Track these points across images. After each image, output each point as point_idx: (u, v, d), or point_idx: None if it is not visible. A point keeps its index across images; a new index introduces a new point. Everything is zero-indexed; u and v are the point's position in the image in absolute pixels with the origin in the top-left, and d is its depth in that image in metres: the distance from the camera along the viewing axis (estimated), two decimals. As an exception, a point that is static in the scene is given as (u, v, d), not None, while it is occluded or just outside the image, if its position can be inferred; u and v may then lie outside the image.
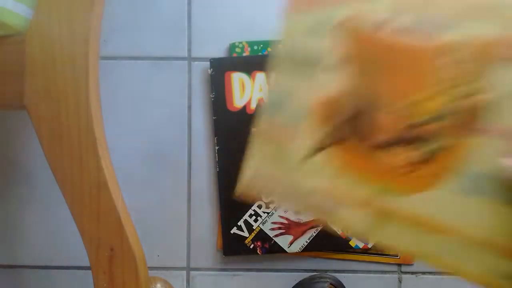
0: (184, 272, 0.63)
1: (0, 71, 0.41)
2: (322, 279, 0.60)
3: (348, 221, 0.40)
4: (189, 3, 0.62)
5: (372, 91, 0.40)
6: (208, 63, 0.61)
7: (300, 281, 0.61)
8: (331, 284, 0.59)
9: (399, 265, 0.61)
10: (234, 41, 0.61)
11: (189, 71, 0.62)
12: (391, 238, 0.39)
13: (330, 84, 0.41)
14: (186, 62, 0.62)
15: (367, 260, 0.61)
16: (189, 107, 0.62)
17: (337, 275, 0.61)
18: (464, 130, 0.37)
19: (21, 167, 0.63)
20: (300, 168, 0.41)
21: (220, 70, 0.60)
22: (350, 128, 0.41)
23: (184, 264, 0.63)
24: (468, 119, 0.37)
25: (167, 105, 0.62)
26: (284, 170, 0.42)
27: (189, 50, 0.62)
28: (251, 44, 0.61)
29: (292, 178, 0.42)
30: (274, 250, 0.60)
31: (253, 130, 0.43)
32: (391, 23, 0.39)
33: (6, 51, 0.41)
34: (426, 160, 0.38)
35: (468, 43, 0.37)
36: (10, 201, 0.63)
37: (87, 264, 0.42)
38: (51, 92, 0.41)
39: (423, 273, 0.61)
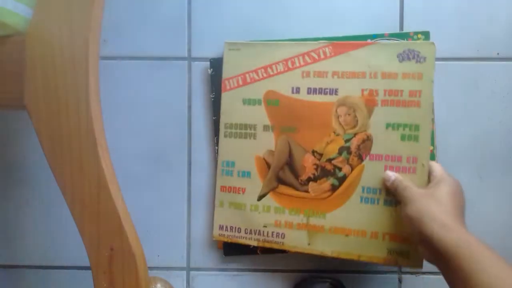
0: (184, 272, 0.63)
1: (0, 71, 0.41)
2: (322, 279, 0.60)
3: (293, 242, 0.56)
4: (189, 3, 0.62)
5: (297, 140, 0.57)
6: (208, 63, 0.61)
7: (300, 281, 0.61)
8: (331, 284, 0.59)
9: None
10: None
11: (189, 71, 0.62)
12: (322, 246, 0.56)
13: (267, 141, 0.57)
14: (186, 62, 0.62)
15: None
16: (189, 107, 0.62)
17: (337, 275, 0.61)
18: (357, 159, 0.55)
19: (21, 167, 0.63)
20: (255, 210, 0.58)
21: (220, 70, 0.60)
22: (287, 171, 0.57)
23: (184, 264, 0.63)
24: (358, 151, 0.55)
25: (167, 105, 0.62)
26: (244, 213, 0.58)
27: (189, 50, 0.62)
28: (251, 44, 0.61)
29: (250, 218, 0.58)
30: (274, 250, 0.60)
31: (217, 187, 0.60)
32: (303, 87, 0.56)
33: (6, 51, 0.41)
34: (338, 185, 0.56)
35: (354, 96, 0.55)
36: (10, 201, 0.63)
37: (87, 264, 0.42)
38: (51, 92, 0.41)
39: (423, 273, 0.61)
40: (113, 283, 0.42)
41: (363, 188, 0.55)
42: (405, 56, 0.53)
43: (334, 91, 0.55)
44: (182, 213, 0.62)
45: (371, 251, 0.54)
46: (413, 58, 0.53)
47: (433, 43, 0.54)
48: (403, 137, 0.53)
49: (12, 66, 0.41)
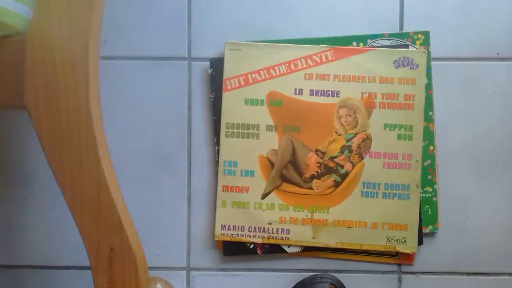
0: (184, 272, 0.63)
1: (0, 71, 0.41)
2: (322, 279, 0.60)
3: (298, 237, 0.59)
4: (189, 3, 0.62)
5: (300, 140, 0.59)
6: (208, 63, 0.61)
7: (300, 281, 0.61)
8: (331, 284, 0.59)
9: (399, 265, 0.61)
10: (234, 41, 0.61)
11: (189, 71, 0.62)
12: (326, 238, 0.59)
13: (270, 140, 0.59)
14: (186, 62, 0.62)
15: (367, 260, 0.61)
16: (189, 107, 0.62)
17: (337, 275, 0.61)
18: (358, 157, 0.59)
19: (21, 167, 0.63)
20: (259, 208, 0.59)
21: (220, 70, 0.60)
22: (291, 170, 0.59)
23: (184, 264, 0.63)
24: (358, 150, 0.59)
25: (167, 105, 0.62)
26: (247, 212, 0.59)
27: (189, 50, 0.62)
28: (251, 44, 0.61)
29: (254, 216, 0.59)
30: (274, 250, 0.60)
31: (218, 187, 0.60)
32: (305, 89, 0.59)
33: (6, 51, 0.41)
34: (340, 181, 0.59)
35: (354, 99, 0.59)
36: (10, 201, 0.63)
37: (87, 264, 0.42)
38: (51, 92, 0.41)
39: (423, 273, 0.61)
40: (113, 283, 0.42)
41: (363, 184, 0.59)
42: (401, 63, 0.59)
43: (335, 93, 0.59)
44: (182, 213, 0.62)
45: (372, 240, 0.59)
46: (407, 65, 0.59)
47: (425, 52, 0.59)
48: (399, 137, 0.59)
49: (12, 66, 0.41)
